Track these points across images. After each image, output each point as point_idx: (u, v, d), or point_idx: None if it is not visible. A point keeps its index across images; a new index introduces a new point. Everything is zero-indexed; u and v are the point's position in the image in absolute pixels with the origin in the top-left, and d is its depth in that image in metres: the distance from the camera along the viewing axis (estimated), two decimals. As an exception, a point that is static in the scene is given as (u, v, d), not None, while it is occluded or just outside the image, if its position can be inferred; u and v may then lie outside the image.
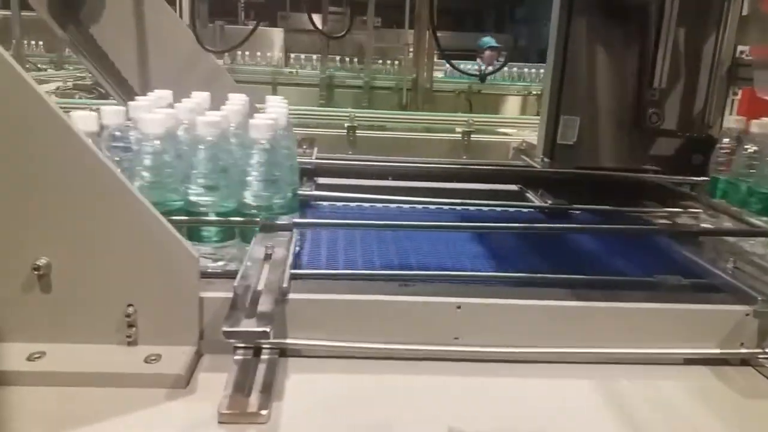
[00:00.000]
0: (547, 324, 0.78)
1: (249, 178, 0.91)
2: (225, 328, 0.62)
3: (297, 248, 0.94)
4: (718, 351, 0.79)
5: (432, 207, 1.46)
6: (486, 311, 0.77)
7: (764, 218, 1.08)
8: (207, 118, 0.88)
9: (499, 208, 1.45)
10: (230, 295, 0.73)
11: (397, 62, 5.39)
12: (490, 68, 4.45)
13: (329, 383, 0.73)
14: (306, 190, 1.44)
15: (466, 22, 9.68)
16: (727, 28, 1.62)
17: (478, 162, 1.94)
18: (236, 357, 0.73)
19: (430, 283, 0.85)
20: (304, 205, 1.41)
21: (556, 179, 1.60)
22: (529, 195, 1.58)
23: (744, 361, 0.80)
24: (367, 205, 1.45)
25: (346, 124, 2.79)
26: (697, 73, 1.67)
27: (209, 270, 0.85)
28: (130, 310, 0.72)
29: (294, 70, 4.92)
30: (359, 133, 2.93)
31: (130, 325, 0.72)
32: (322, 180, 1.55)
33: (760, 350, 0.79)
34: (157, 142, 0.86)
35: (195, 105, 1.05)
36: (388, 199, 1.47)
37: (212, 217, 0.89)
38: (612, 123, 1.67)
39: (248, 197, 0.91)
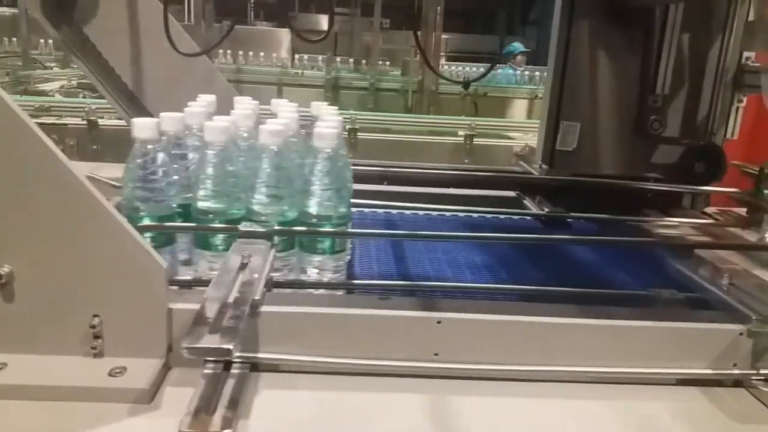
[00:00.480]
0: (530, 341, 0.75)
1: (313, 188, 0.89)
2: (185, 344, 0.59)
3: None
4: (710, 371, 0.76)
5: (427, 213, 1.44)
6: (467, 326, 0.74)
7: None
8: (270, 127, 0.86)
9: (494, 216, 1.42)
10: (200, 306, 0.71)
11: (402, 64, 5.37)
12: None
13: (301, 400, 0.70)
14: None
15: (475, 24, 9.64)
16: (732, 33, 1.58)
17: (477, 168, 1.91)
18: (205, 371, 0.70)
19: (411, 295, 0.83)
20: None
21: (553, 186, 1.56)
22: (527, 202, 1.55)
23: (737, 383, 0.77)
24: (360, 210, 1.43)
25: (347, 127, 2.77)
26: (701, 80, 1.63)
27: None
28: (96, 320, 0.69)
29: (300, 71, 4.90)
30: (360, 135, 2.91)
31: (96, 337, 0.70)
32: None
33: (753, 371, 0.76)
34: (218, 150, 0.86)
35: (250, 112, 1.03)
36: (383, 205, 1.45)
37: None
38: (613, 129, 1.63)
39: (312, 207, 0.88)
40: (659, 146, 1.63)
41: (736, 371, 0.76)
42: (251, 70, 4.69)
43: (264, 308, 0.73)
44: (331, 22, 1.81)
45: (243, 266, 0.80)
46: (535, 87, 5.30)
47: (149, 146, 0.85)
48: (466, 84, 1.65)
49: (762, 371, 0.76)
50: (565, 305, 0.78)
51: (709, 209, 1.64)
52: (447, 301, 0.78)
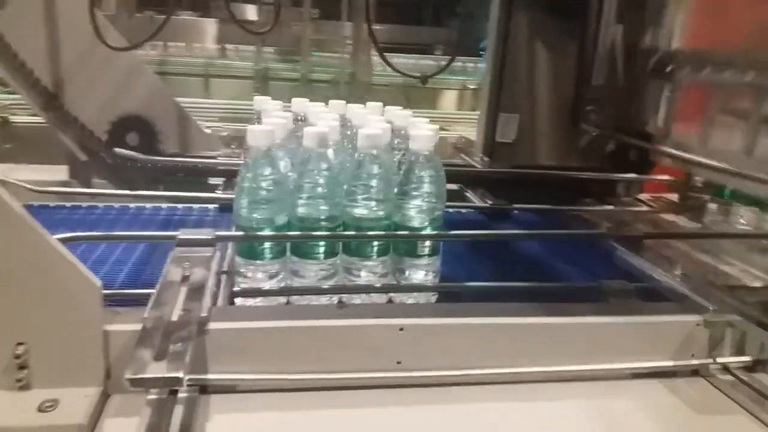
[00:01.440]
0: (494, 343, 0.72)
1: (415, 193, 0.84)
2: (128, 375, 0.53)
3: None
4: (671, 363, 0.76)
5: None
6: (430, 332, 0.71)
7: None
8: (369, 131, 0.81)
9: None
10: (139, 327, 0.65)
11: (337, 55, 5.29)
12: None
13: (257, 422, 0.65)
14: (230, 194, 1.35)
15: (406, 14, 9.63)
16: (662, 25, 1.62)
17: None
18: (149, 397, 0.64)
19: (368, 301, 0.79)
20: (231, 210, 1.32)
21: (496, 179, 1.56)
22: (469, 195, 1.54)
23: (694, 372, 0.77)
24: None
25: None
26: (634, 71, 1.66)
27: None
28: (21, 349, 0.62)
29: (228, 62, 4.74)
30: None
31: (21, 367, 0.62)
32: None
33: (710, 360, 0.76)
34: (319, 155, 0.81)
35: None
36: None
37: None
38: (551, 121, 1.64)
39: (412, 211, 0.84)
40: (596, 136, 1.65)
41: (694, 361, 0.76)
42: (177, 62, 4.49)
43: (212, 325, 0.67)
44: (277, 15, 1.74)
45: (184, 279, 0.74)
46: (465, 78, 5.36)
47: (268, 153, 0.80)
48: (423, 79, 1.61)
49: (718, 360, 0.76)
50: (526, 304, 0.76)
51: (643, 196, 1.68)
52: (408, 307, 0.74)
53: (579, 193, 1.58)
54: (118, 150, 1.37)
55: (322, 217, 0.80)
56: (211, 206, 1.32)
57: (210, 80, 4.47)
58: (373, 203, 0.81)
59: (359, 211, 0.81)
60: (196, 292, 0.70)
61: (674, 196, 1.64)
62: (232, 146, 1.50)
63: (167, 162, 1.41)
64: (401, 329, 0.70)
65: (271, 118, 0.94)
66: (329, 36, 5.89)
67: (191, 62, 4.65)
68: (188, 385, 0.65)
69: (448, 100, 5.29)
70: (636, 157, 1.63)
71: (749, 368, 0.77)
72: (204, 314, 0.66)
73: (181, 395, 0.65)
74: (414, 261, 0.83)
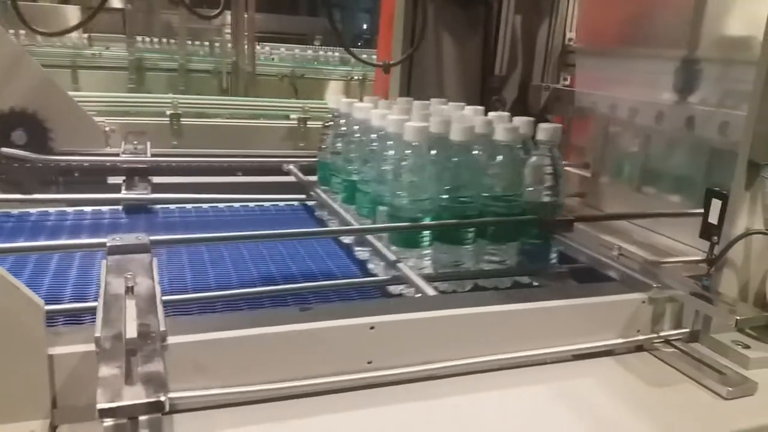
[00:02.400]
0: (461, 334, 0.72)
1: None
2: (102, 405, 0.47)
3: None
4: (620, 341, 0.79)
5: (280, 204, 1.36)
6: (402, 328, 0.69)
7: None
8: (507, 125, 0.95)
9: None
10: (89, 348, 0.58)
11: (217, 44, 5.08)
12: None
13: (227, 440, 0.60)
14: (141, 193, 1.25)
15: (280, 4, 9.46)
16: (557, 15, 1.70)
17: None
18: (106, 424, 0.57)
19: (329, 301, 0.75)
20: (139, 211, 1.23)
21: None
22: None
23: (639, 347, 0.81)
24: (221, 206, 1.31)
25: (168, 112, 2.53)
26: (533, 61, 1.73)
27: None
28: (-53, 386, 0.53)
29: (97, 52, 4.40)
30: (184, 121, 2.67)
31: (-51, 407, 0.53)
32: (157, 180, 1.36)
33: (654, 335, 0.81)
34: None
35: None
36: (244, 198, 1.34)
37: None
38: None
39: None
40: (500, 125, 1.71)
41: (640, 337, 0.80)
42: (41, 52, 4.10)
43: (171, 339, 0.61)
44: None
45: (128, 290, 0.67)
46: (351, 69, 5.36)
47: (420, 148, 0.90)
48: (386, 67, 1.56)
49: (661, 334, 0.81)
50: (486, 292, 0.77)
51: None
52: (374, 304, 0.72)
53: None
54: (4, 150, 1.22)
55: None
56: (104, 208, 1.22)
57: (79, 72, 4.13)
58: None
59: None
60: (148, 304, 0.63)
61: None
62: (135, 142, 1.39)
63: (62, 161, 1.27)
64: (372, 327, 0.68)
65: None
66: (203, 24, 5.65)
67: (55, 52, 4.27)
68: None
69: (336, 90, 5.27)
70: (537, 143, 1.70)
71: (687, 339, 0.82)
72: (163, 328, 0.60)
73: (141, 418, 0.59)
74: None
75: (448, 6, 1.61)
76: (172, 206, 1.25)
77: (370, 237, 0.96)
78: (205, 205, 1.26)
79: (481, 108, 1.15)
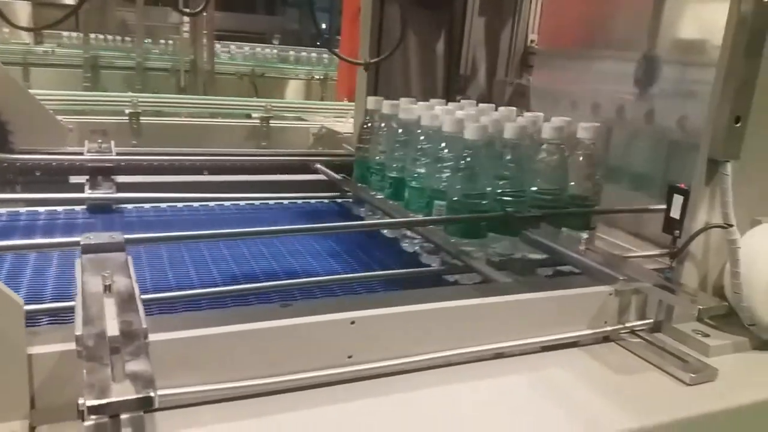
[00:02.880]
0: (441, 326, 0.73)
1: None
2: (90, 402, 0.46)
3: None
4: (589, 332, 0.82)
5: (257, 202, 1.36)
6: (382, 322, 0.70)
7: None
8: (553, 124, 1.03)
9: (318, 201, 1.39)
10: (69, 347, 0.57)
11: (171, 42, 4.99)
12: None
13: (210, 437, 0.60)
14: (106, 192, 1.23)
15: (238, 2, 9.36)
16: (520, 17, 1.74)
17: (305, 152, 1.85)
18: (87, 424, 0.56)
19: (313, 296, 0.76)
20: (105, 211, 1.21)
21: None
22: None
23: (606, 338, 0.84)
24: (182, 205, 1.30)
25: (127, 111, 2.48)
26: (496, 61, 1.77)
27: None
28: None
29: (50, 49, 4.27)
30: (144, 120, 2.63)
31: (-75, 409, 0.52)
32: (122, 179, 1.34)
33: (621, 326, 0.84)
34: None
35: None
36: (208, 197, 1.33)
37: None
38: (426, 109, 1.70)
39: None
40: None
41: (608, 328, 0.84)
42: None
43: (152, 336, 0.61)
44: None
45: (106, 288, 0.66)
46: (312, 68, 5.35)
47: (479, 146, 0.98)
48: (366, 65, 1.56)
49: (627, 324, 0.85)
50: (463, 286, 0.79)
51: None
52: (357, 299, 0.73)
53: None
54: (-40, 148, 1.18)
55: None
56: (59, 208, 1.20)
57: (30, 69, 4.00)
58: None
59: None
60: (128, 302, 0.63)
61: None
62: (99, 141, 1.36)
63: (23, 160, 1.24)
64: (353, 322, 0.69)
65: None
66: (160, 22, 5.55)
67: (4, 49, 4.13)
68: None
69: (296, 90, 5.25)
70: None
71: (651, 329, 0.86)
72: (145, 326, 0.59)
73: (123, 416, 0.58)
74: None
75: (414, 7, 1.63)
76: (139, 206, 1.23)
77: (425, 230, 1.03)
78: (179, 204, 1.25)
79: (513, 109, 1.23)
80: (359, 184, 1.31)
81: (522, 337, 0.79)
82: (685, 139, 1.13)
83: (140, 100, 2.64)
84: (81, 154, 1.30)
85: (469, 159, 0.98)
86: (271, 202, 1.36)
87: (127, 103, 2.52)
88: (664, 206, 0.89)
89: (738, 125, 0.80)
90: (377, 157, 1.23)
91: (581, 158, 1.06)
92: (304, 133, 2.82)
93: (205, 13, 4.38)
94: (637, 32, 1.26)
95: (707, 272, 0.87)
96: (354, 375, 0.69)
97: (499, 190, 1.00)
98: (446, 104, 1.25)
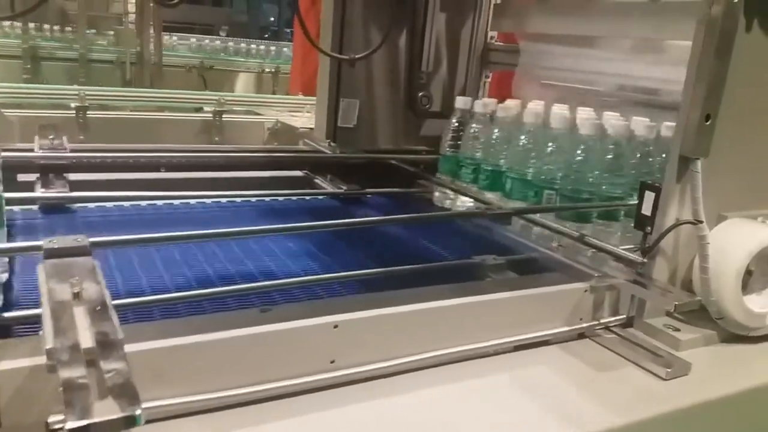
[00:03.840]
0: (422, 328, 0.73)
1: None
2: (72, 424, 0.43)
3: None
4: (565, 329, 0.83)
5: (223, 200, 1.32)
6: (365, 325, 0.69)
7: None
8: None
9: (287, 198, 1.37)
10: (36, 361, 0.53)
11: (114, 33, 4.81)
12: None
13: (192, 450, 0.58)
14: (61, 191, 1.17)
15: (183, -8, 9.07)
16: (480, 14, 1.74)
17: (263, 148, 1.81)
18: (60, 443, 0.53)
19: (293, 301, 0.74)
20: (58, 211, 1.15)
21: (338, 163, 1.56)
22: (318, 181, 1.52)
23: (581, 335, 0.85)
24: (143, 203, 1.25)
25: (74, 104, 2.39)
26: (457, 57, 1.77)
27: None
28: None
29: (-21, 37, 4.05)
30: (91, 114, 2.53)
31: None
32: (74, 177, 1.28)
33: (596, 322, 0.85)
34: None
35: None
36: (165, 196, 1.28)
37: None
38: (389, 106, 1.68)
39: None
40: (427, 120, 1.73)
41: (584, 324, 0.84)
42: None
43: (127, 347, 0.57)
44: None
45: (75, 296, 0.62)
46: (262, 60, 5.25)
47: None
48: (351, 60, 1.52)
49: (602, 321, 0.86)
50: (443, 286, 0.78)
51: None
52: (339, 302, 0.71)
53: (414, 175, 1.65)
54: None
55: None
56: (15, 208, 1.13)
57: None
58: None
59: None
60: (100, 310, 0.59)
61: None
62: (50, 137, 1.29)
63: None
64: (336, 326, 0.67)
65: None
66: (102, 12, 5.35)
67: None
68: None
69: (246, 83, 5.15)
70: (463, 139, 1.74)
71: (624, 324, 0.87)
72: (122, 336, 0.56)
73: (99, 435, 0.55)
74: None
75: (376, 2, 1.61)
76: (100, 205, 1.18)
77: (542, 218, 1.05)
78: (143, 203, 1.21)
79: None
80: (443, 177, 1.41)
81: (501, 336, 0.78)
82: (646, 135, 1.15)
83: (87, 93, 2.53)
84: (32, 150, 1.23)
85: (583, 151, 1.06)
86: (253, 200, 1.33)
87: (72, 96, 2.42)
88: (635, 202, 0.91)
89: (708, 123, 0.82)
90: (476, 153, 1.30)
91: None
92: (258, 128, 2.77)
93: (151, 4, 4.24)
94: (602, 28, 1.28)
95: (677, 267, 0.89)
96: (337, 380, 0.68)
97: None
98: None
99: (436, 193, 1.42)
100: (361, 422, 0.64)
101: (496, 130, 1.26)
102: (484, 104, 1.33)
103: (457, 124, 1.39)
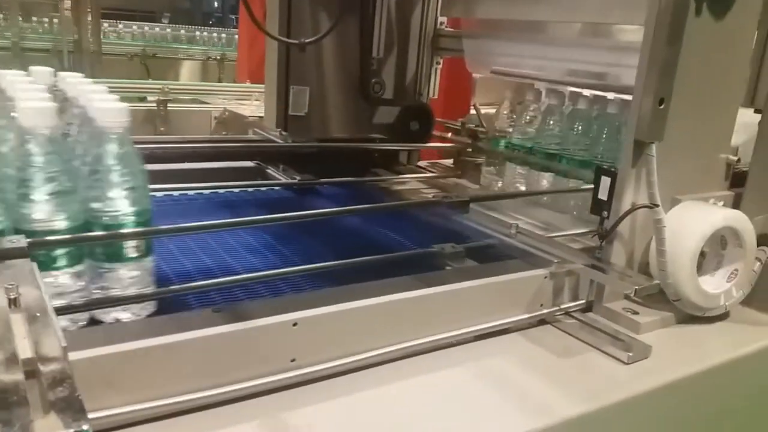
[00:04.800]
0: (383, 322, 0.71)
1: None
2: (13, 442, 0.39)
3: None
4: (526, 316, 0.83)
5: (168, 194, 1.26)
6: (327, 322, 0.66)
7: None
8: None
9: (242, 189, 1.32)
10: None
11: (48, 20, 4.60)
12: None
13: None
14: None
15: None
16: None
17: (211, 138, 1.75)
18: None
19: (255, 296, 0.71)
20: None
21: (290, 152, 1.52)
22: (271, 171, 1.48)
23: (541, 321, 0.85)
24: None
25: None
26: (408, 44, 1.75)
27: None
28: None
29: None
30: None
31: None
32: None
33: (556, 308, 0.85)
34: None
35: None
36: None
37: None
38: (340, 93, 1.65)
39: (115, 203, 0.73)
40: (380, 108, 1.71)
41: (544, 311, 0.84)
42: None
43: (73, 355, 0.54)
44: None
45: (12, 303, 0.58)
46: (208, 48, 5.12)
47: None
48: (301, 44, 1.47)
49: (562, 306, 0.86)
50: (404, 278, 0.76)
51: (421, 163, 1.80)
52: (297, 299, 0.69)
53: (368, 163, 1.63)
54: None
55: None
56: None
57: None
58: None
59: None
60: (40, 317, 0.55)
61: (449, 161, 1.79)
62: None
63: None
64: (295, 324, 0.64)
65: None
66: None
67: None
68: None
69: (191, 71, 5.01)
70: (416, 127, 1.73)
71: (584, 309, 0.88)
72: (64, 344, 0.52)
73: (43, 451, 0.51)
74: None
75: (326, -17, 1.57)
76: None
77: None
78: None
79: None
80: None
81: (463, 326, 0.77)
82: (601, 118, 1.16)
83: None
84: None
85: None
86: (206, 192, 1.28)
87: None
88: (591, 187, 0.91)
89: (662, 107, 0.82)
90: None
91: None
92: (205, 117, 2.70)
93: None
94: (554, 11, 1.28)
95: (633, 250, 0.90)
96: (299, 379, 0.65)
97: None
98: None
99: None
100: (323, 421, 0.62)
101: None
102: None
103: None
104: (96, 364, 0.56)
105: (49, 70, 0.96)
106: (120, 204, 0.70)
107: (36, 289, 0.60)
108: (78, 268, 0.70)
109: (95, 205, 0.70)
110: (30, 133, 0.66)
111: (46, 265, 0.68)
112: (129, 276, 0.71)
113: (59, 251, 0.69)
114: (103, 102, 0.74)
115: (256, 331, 0.63)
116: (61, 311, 0.65)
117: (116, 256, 0.71)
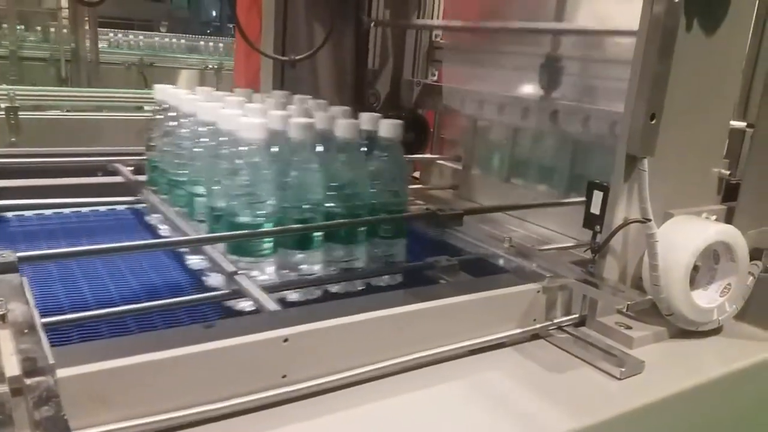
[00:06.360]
0: (376, 337, 0.71)
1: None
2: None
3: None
4: (519, 331, 0.82)
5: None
6: (318, 337, 0.66)
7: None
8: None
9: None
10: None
11: (47, 29, 4.61)
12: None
13: (137, 479, 0.54)
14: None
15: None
16: (425, 11, 1.73)
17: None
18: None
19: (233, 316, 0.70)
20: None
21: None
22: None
23: (534, 336, 0.85)
24: (69, 211, 1.19)
25: (3, 105, 2.27)
26: (403, 55, 1.75)
27: None
28: None
29: None
30: (23, 115, 2.40)
31: None
32: (3, 183, 1.20)
33: (549, 322, 0.85)
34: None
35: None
36: (109, 201, 1.22)
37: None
38: (336, 104, 1.65)
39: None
40: (375, 118, 1.71)
41: (537, 325, 0.84)
42: None
43: (61, 372, 0.53)
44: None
45: (0, 318, 0.58)
46: (205, 57, 5.13)
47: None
48: (292, 61, 1.47)
49: (555, 321, 0.85)
50: (397, 292, 0.76)
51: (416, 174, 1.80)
52: (288, 314, 0.69)
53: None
54: None
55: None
56: None
57: None
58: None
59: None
60: (28, 333, 0.55)
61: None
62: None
63: None
64: (286, 340, 0.64)
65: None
66: (34, 7, 5.12)
67: None
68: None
69: (188, 80, 5.01)
70: (412, 138, 1.73)
71: (577, 324, 0.87)
72: (51, 361, 0.52)
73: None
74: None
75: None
76: (18, 213, 1.11)
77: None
78: (66, 210, 1.14)
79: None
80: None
81: (456, 340, 0.77)
82: (588, 134, 1.16)
83: (18, 93, 2.40)
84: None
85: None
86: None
87: (1, 97, 2.30)
88: (583, 199, 0.91)
89: (653, 122, 0.82)
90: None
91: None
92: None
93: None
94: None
95: (626, 265, 0.90)
96: (290, 395, 0.65)
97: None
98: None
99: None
100: (315, 438, 0.62)
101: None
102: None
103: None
104: (86, 380, 0.55)
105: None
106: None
107: (24, 305, 0.60)
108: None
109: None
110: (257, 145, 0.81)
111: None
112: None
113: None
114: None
115: (247, 347, 0.62)
116: (49, 326, 0.64)
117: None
